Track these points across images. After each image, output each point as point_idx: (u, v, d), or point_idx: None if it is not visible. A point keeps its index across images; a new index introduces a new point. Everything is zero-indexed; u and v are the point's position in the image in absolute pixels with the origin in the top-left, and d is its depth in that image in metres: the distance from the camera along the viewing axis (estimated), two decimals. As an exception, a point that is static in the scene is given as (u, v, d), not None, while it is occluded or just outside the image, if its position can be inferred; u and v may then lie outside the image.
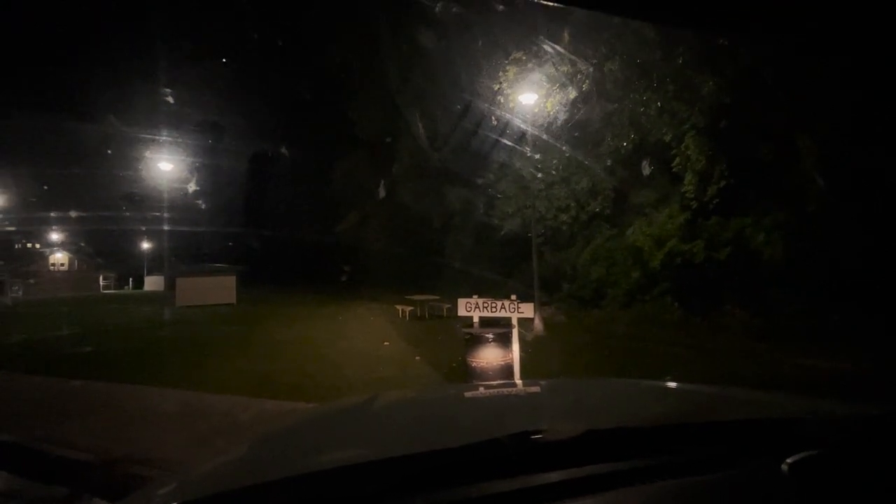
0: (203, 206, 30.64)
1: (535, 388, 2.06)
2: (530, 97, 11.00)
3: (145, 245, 46.98)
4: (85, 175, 32.25)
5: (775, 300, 9.60)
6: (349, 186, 26.78)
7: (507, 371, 4.86)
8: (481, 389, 2.40)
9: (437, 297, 14.83)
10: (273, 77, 35.82)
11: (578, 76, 11.48)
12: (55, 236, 45.17)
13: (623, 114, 11.68)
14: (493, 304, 5.34)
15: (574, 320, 12.64)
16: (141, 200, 30.89)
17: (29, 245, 46.72)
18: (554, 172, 13.81)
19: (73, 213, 35.21)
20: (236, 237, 33.51)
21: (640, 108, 11.10)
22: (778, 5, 1.34)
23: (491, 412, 1.59)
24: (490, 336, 4.88)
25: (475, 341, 4.91)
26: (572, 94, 11.70)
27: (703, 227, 11.18)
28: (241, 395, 5.79)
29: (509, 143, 13.36)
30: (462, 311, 5.45)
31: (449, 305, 12.95)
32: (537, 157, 12.71)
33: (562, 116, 12.12)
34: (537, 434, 0.94)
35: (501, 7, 12.09)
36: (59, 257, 46.49)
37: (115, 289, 46.83)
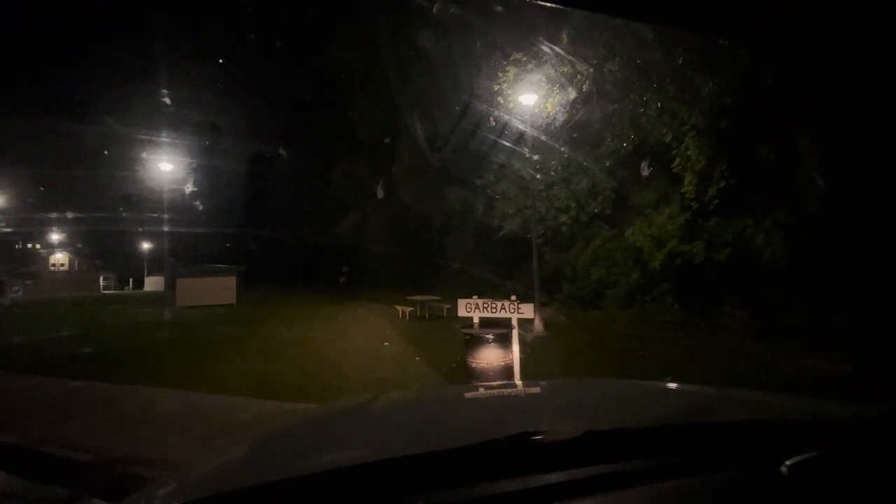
0: (203, 207, 30.65)
1: (535, 389, 2.05)
2: (530, 98, 11.00)
3: (145, 246, 47.03)
4: (84, 175, 32.26)
5: (775, 301, 9.60)
6: (349, 187, 26.80)
7: (506, 372, 4.85)
8: (481, 390, 2.40)
9: (436, 298, 14.82)
10: (273, 77, 35.79)
11: (578, 77, 11.49)
12: (55, 237, 45.21)
13: (623, 114, 11.69)
14: (493, 305, 5.34)
15: (574, 321, 12.63)
16: (140, 201, 30.88)
17: (29, 246, 46.76)
18: (553, 174, 13.83)
19: (72, 214, 35.21)
20: (236, 237, 33.49)
21: (640, 108, 11.11)
22: (778, 6, 1.34)
23: (491, 413, 1.59)
24: (490, 337, 4.87)
25: (475, 342, 4.91)
26: (572, 94, 11.71)
27: (703, 227, 11.18)
28: (242, 395, 5.79)
29: (509, 144, 13.38)
30: (462, 312, 5.44)
31: (449, 306, 12.95)
32: (537, 157, 12.72)
33: (562, 117, 12.13)
34: (537, 435, 0.93)
35: (501, 8, 12.10)
36: (59, 258, 46.53)
37: (115, 289, 46.85)
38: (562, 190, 14.28)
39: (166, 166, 25.82)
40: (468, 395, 2.07)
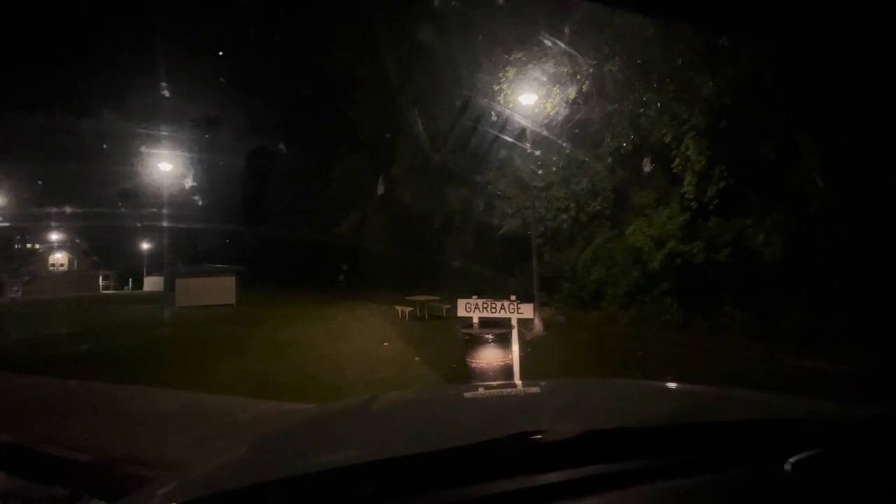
0: (202, 206, 30.67)
1: (535, 389, 2.05)
2: (530, 97, 11.01)
3: (145, 245, 47.02)
4: (83, 173, 32.30)
5: (775, 301, 9.61)
6: (349, 186, 26.80)
7: (506, 372, 4.86)
8: (481, 390, 2.40)
9: (436, 298, 14.82)
10: (273, 77, 35.86)
11: (578, 77, 11.48)
12: (54, 236, 45.20)
13: (623, 114, 11.68)
14: (493, 305, 5.34)
15: (574, 321, 12.64)
16: (140, 197, 30.85)
17: (28, 245, 46.76)
18: (554, 170, 13.82)
19: (71, 210, 35.18)
20: (236, 237, 33.52)
21: (640, 108, 11.10)
22: (778, 5, 1.34)
23: (490, 413, 1.59)
24: (490, 337, 4.88)
25: (475, 342, 4.91)
26: (572, 94, 11.70)
27: (702, 227, 11.18)
28: (241, 395, 5.79)
29: (509, 144, 13.38)
30: (462, 312, 5.45)
31: (448, 306, 12.94)
32: (538, 153, 12.73)
33: (561, 117, 12.12)
34: (537, 434, 0.93)
35: (501, 7, 12.11)
36: (59, 257, 46.53)
37: (114, 289, 46.84)
38: (561, 190, 14.29)
39: (166, 166, 25.85)
40: (468, 394, 2.07)
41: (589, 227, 14.63)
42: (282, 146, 31.00)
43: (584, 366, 7.75)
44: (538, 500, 0.81)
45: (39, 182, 34.45)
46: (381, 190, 21.69)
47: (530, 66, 11.36)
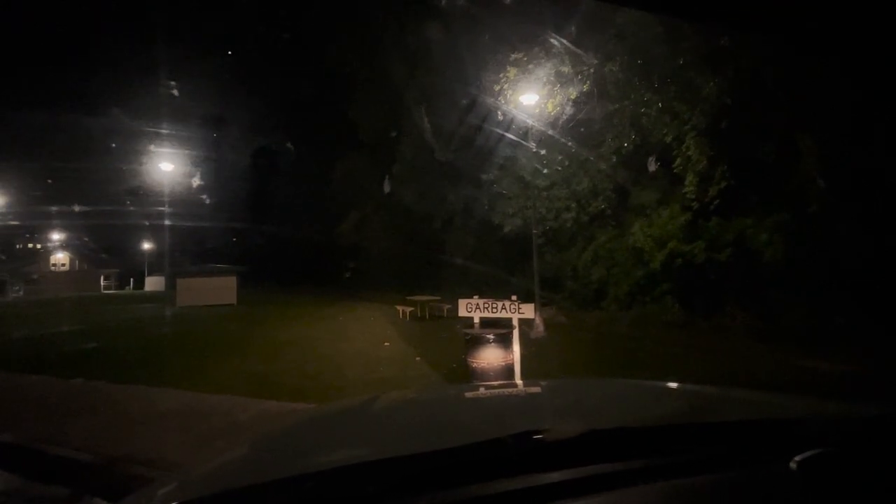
0: (204, 207, 30.67)
1: (536, 389, 2.05)
2: (531, 97, 11.00)
3: (146, 245, 47.05)
4: (84, 172, 32.28)
5: (776, 301, 9.60)
6: (350, 186, 26.81)
7: (507, 372, 4.86)
8: (482, 390, 2.40)
9: (437, 298, 14.83)
10: (276, 76, 35.88)
11: (579, 76, 11.48)
12: (56, 236, 45.25)
13: (624, 114, 11.68)
14: (494, 305, 5.34)
15: (575, 321, 12.63)
16: (145, 196, 30.84)
17: (30, 245, 46.82)
18: (558, 169, 13.80)
19: (74, 210, 35.20)
20: (237, 237, 33.52)
21: (641, 108, 11.10)
22: (778, 4, 1.34)
23: (492, 412, 1.59)
24: (491, 337, 4.88)
25: (476, 342, 4.91)
26: (573, 94, 11.69)
27: (703, 227, 11.17)
28: (242, 395, 5.79)
29: (509, 144, 13.38)
30: (462, 312, 5.45)
31: (449, 306, 12.95)
32: (540, 154, 12.72)
33: (562, 117, 12.12)
34: (539, 434, 0.93)
35: (502, 7, 12.10)
36: (60, 257, 46.59)
37: (115, 289, 46.87)
38: (562, 190, 14.28)
39: (167, 166, 25.85)
40: (469, 394, 2.07)
41: (590, 226, 14.63)
42: (290, 145, 31.01)
43: (585, 366, 7.75)
44: (540, 499, 0.81)
45: (49, 181, 34.46)
46: (387, 188, 21.65)
47: (531, 65, 11.36)
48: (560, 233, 14.98)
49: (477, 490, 0.82)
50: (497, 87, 12.21)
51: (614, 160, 12.63)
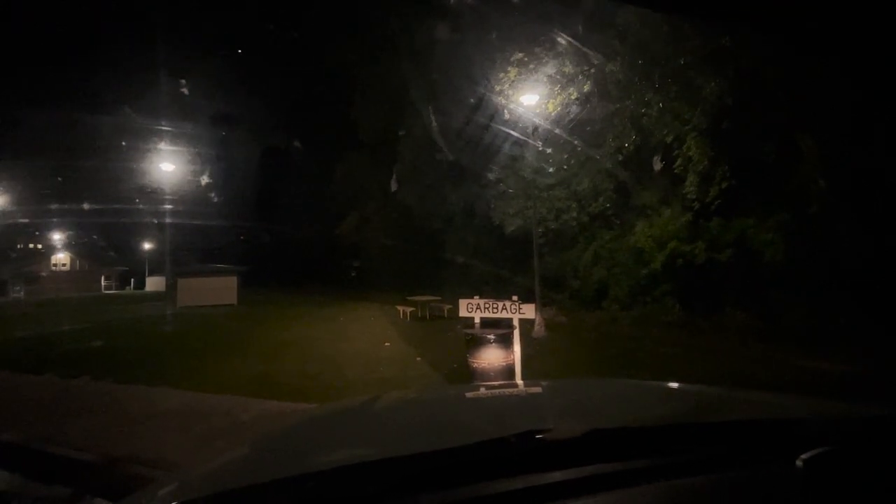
0: (207, 206, 30.66)
1: (538, 389, 2.05)
2: (531, 98, 11.01)
3: (146, 245, 47.08)
4: (87, 171, 32.27)
5: (776, 301, 9.59)
6: (350, 186, 26.83)
7: (508, 372, 4.86)
8: (483, 390, 2.40)
9: (437, 298, 14.83)
10: (278, 76, 35.92)
11: (580, 76, 11.48)
12: (57, 236, 45.28)
13: (624, 114, 11.68)
14: (495, 305, 5.34)
15: (575, 321, 12.63)
16: (147, 195, 30.85)
17: (31, 245, 46.84)
18: (562, 169, 13.80)
19: (77, 209, 35.21)
20: (237, 237, 33.54)
21: (642, 108, 11.10)
22: (779, 4, 1.34)
23: (493, 412, 1.59)
24: (491, 337, 4.88)
25: (476, 342, 4.91)
26: (574, 94, 11.69)
27: (704, 228, 11.17)
28: (243, 395, 5.80)
29: (510, 144, 13.37)
30: (463, 312, 5.45)
31: (450, 306, 12.94)
32: (547, 151, 12.73)
33: (563, 117, 12.12)
34: (541, 434, 0.93)
35: (503, 7, 12.11)
36: (61, 257, 46.62)
37: (116, 289, 46.89)
38: (563, 190, 14.28)
39: (167, 165, 25.83)
40: (470, 394, 2.07)
41: (591, 227, 14.62)
42: (297, 143, 30.97)
43: (586, 366, 7.75)
44: (542, 498, 0.81)
45: (58, 178, 34.40)
46: (394, 187, 21.66)
47: (532, 65, 11.36)
48: (561, 233, 14.98)
49: (479, 490, 0.82)
50: (498, 87, 12.21)
51: (619, 159, 12.62)
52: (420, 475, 0.87)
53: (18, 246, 45.36)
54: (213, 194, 30.12)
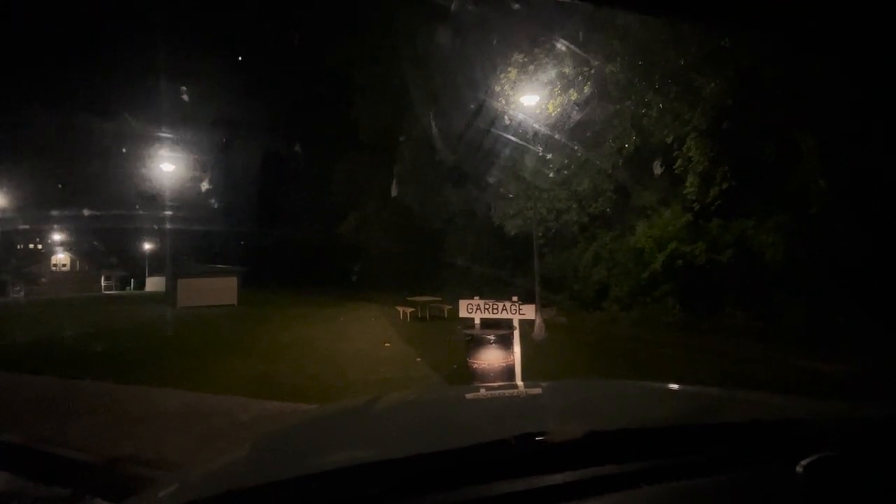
0: (204, 208, 30.65)
1: (538, 390, 2.05)
2: (531, 98, 11.00)
3: (147, 246, 47.07)
4: (85, 178, 32.31)
5: (777, 302, 9.60)
6: (350, 187, 26.84)
7: (508, 373, 4.85)
8: (483, 391, 2.40)
9: (437, 299, 14.83)
10: (277, 77, 35.90)
11: (580, 77, 11.48)
12: (57, 237, 45.28)
13: (624, 115, 11.68)
14: (495, 306, 5.33)
15: (575, 321, 12.63)
16: (142, 199, 30.85)
17: (31, 245, 46.84)
18: (560, 170, 13.81)
19: (79, 211, 35.19)
20: (237, 238, 33.54)
21: (642, 109, 11.10)
22: (777, 3, 1.34)
23: (494, 413, 1.59)
24: (491, 338, 4.88)
25: (476, 343, 4.91)
26: (574, 95, 11.69)
27: (704, 228, 11.18)
28: (243, 395, 5.79)
29: (510, 146, 13.37)
30: (463, 313, 5.44)
31: (450, 307, 12.95)
32: (548, 156, 12.73)
33: (563, 119, 12.12)
34: (541, 435, 0.93)
35: (503, 9, 12.10)
36: (61, 258, 46.62)
37: (116, 289, 46.90)
38: (563, 190, 14.28)
39: (168, 167, 25.80)
40: (470, 395, 2.06)
41: (591, 227, 14.63)
42: (297, 149, 30.99)
43: (586, 367, 7.74)
44: (542, 501, 0.81)
45: (59, 185, 34.48)
46: (394, 192, 21.67)
47: (532, 67, 11.36)
48: (561, 234, 14.99)
49: (479, 491, 0.82)
50: (498, 88, 12.21)
51: (619, 162, 12.62)
52: (420, 477, 0.87)
53: (18, 246, 45.35)
54: (212, 200, 30.13)
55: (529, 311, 5.47)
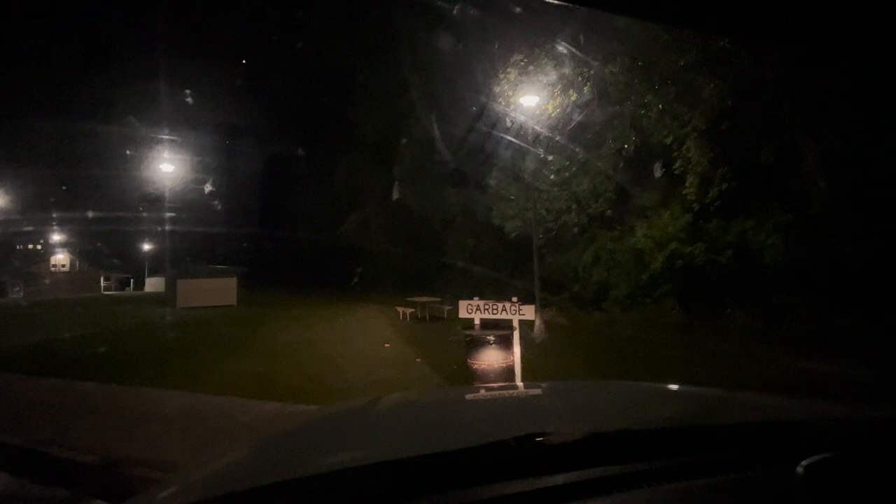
0: (206, 209, 30.66)
1: (538, 391, 2.05)
2: (531, 100, 11.01)
3: (146, 247, 47.05)
4: (87, 177, 32.28)
5: (776, 303, 9.60)
6: (350, 188, 26.84)
7: (508, 373, 4.85)
8: (483, 392, 2.40)
9: (437, 299, 14.83)
10: (277, 79, 35.90)
11: (580, 79, 11.49)
12: (56, 237, 45.25)
13: (624, 116, 11.69)
14: (494, 306, 5.33)
15: (575, 322, 12.63)
16: (147, 202, 30.86)
17: (31, 246, 46.82)
18: (558, 170, 13.82)
19: (78, 212, 35.25)
20: (237, 239, 33.52)
21: (642, 110, 11.12)
22: (777, 8, 1.34)
23: (495, 414, 1.58)
24: (491, 338, 4.88)
25: (476, 343, 4.91)
26: (573, 96, 11.70)
27: (704, 229, 11.18)
28: (243, 397, 5.78)
29: (510, 147, 13.39)
30: (463, 313, 5.43)
31: (450, 307, 12.95)
32: (550, 157, 12.74)
33: (563, 120, 12.13)
34: (542, 436, 0.93)
35: (503, 10, 12.12)
36: (60, 258, 46.60)
37: (115, 290, 46.87)
38: (563, 192, 14.29)
39: (168, 167, 25.82)
40: (471, 396, 2.06)
41: (591, 228, 14.64)
42: (300, 151, 31.01)
43: (586, 367, 7.74)
44: (543, 502, 0.81)
45: (63, 187, 34.52)
46: (396, 195, 21.69)
47: (531, 68, 11.37)
48: (561, 234, 14.99)
49: (479, 493, 0.82)
50: (498, 90, 12.22)
51: (620, 165, 12.63)
52: (420, 478, 0.87)
53: (18, 247, 45.34)
54: (215, 201, 30.13)
55: (529, 312, 5.47)
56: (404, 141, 21.05)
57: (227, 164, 32.77)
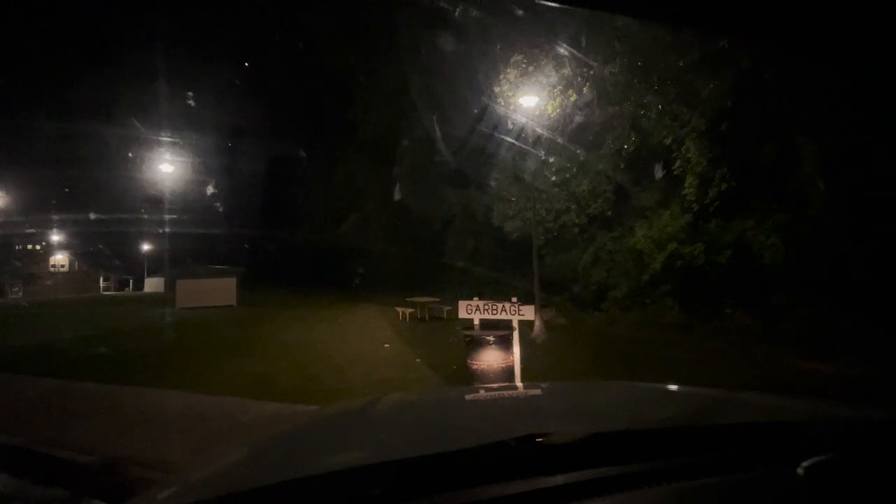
0: (206, 210, 30.67)
1: (538, 391, 2.05)
2: (530, 100, 11.00)
3: (146, 247, 47.06)
4: (87, 178, 32.29)
5: (776, 303, 9.60)
6: (350, 188, 26.83)
7: (508, 374, 4.85)
8: (483, 392, 2.39)
9: (437, 300, 14.84)
10: (277, 79, 35.87)
11: (579, 79, 11.49)
12: (56, 238, 45.26)
13: (623, 116, 11.70)
14: (494, 307, 5.33)
15: (575, 322, 12.63)
16: (147, 204, 30.87)
17: (30, 247, 46.83)
18: (567, 176, 13.82)
19: (77, 212, 35.27)
20: (237, 239, 33.51)
21: (641, 110, 11.12)
22: (776, 9, 1.35)
23: (495, 415, 1.58)
24: (491, 338, 4.88)
25: (476, 344, 4.91)
26: (573, 97, 11.70)
27: (703, 229, 11.18)
28: (243, 397, 5.78)
29: (510, 148, 13.39)
30: (462, 314, 5.43)
31: (449, 307, 12.95)
32: (549, 158, 12.74)
33: (562, 120, 12.13)
34: (542, 437, 0.93)
35: (502, 10, 12.12)
36: (60, 259, 46.62)
37: (115, 290, 46.88)
38: (562, 192, 14.30)
39: (167, 168, 25.81)
40: (470, 397, 2.06)
41: (590, 228, 14.64)
42: (302, 153, 31.01)
43: (586, 367, 7.75)
44: (543, 502, 0.81)
45: (66, 189, 34.61)
46: (397, 196, 21.68)
47: (531, 68, 11.37)
48: (561, 235, 15.00)
49: (480, 493, 0.82)
50: (497, 90, 12.22)
51: (620, 166, 12.62)
52: (420, 478, 0.87)
53: (17, 247, 45.34)
54: (216, 202, 30.14)
55: (529, 312, 5.47)
56: (404, 141, 21.05)
57: (228, 165, 32.75)
